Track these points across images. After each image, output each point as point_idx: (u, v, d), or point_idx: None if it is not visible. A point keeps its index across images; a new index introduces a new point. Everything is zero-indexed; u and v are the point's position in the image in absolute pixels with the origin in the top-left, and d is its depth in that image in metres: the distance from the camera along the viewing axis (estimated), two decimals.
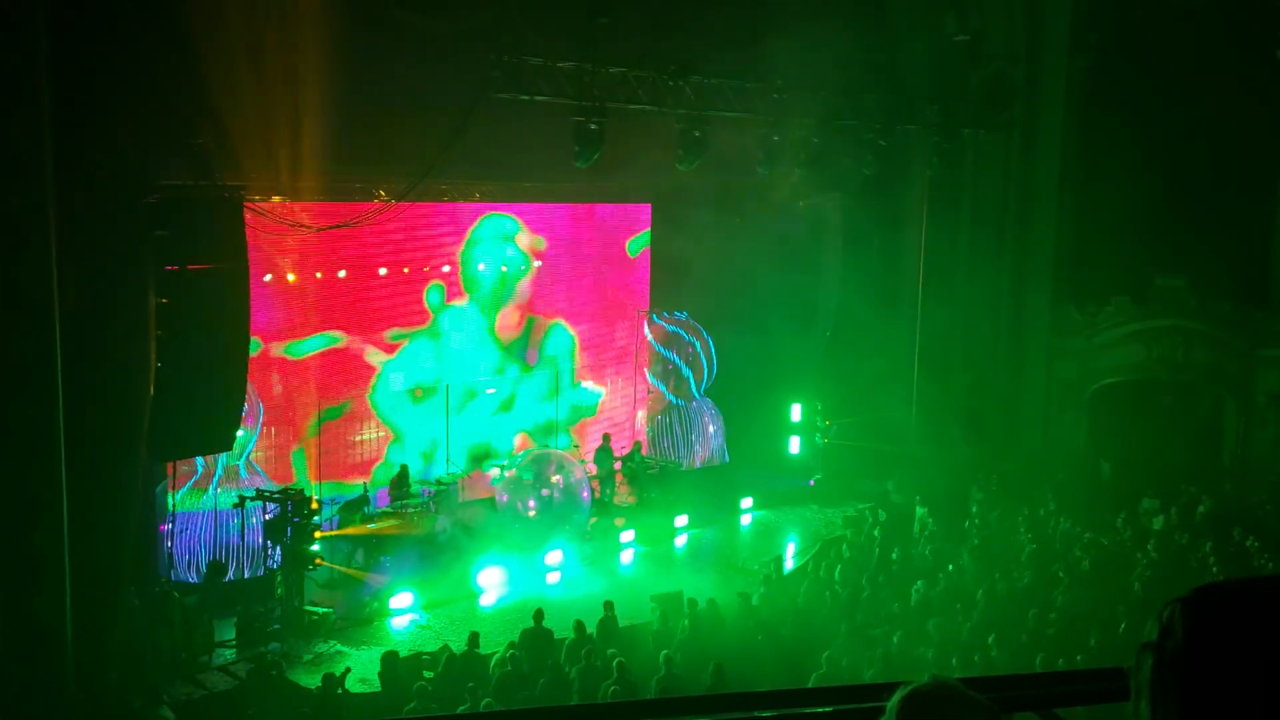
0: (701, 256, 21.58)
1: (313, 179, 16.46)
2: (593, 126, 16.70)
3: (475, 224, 20.87)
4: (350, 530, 18.12)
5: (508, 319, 21.55)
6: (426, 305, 20.42)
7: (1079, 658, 12.89)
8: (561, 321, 22.48)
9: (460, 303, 20.87)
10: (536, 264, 21.77)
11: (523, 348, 21.96)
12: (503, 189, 20.39)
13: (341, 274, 19.09)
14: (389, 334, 19.98)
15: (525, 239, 21.60)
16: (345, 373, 19.44)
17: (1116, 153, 22.22)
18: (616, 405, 23.81)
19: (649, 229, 23.56)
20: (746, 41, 18.30)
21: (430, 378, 20.58)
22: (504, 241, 21.32)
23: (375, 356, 19.80)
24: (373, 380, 19.83)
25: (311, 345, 18.88)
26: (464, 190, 19.50)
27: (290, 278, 18.40)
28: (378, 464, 19.87)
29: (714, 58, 18.00)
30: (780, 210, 22.50)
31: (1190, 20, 21.74)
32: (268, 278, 17.88)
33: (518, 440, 21.94)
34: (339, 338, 19.21)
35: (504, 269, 21.31)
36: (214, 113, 13.79)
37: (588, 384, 23.17)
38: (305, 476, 18.70)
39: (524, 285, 21.75)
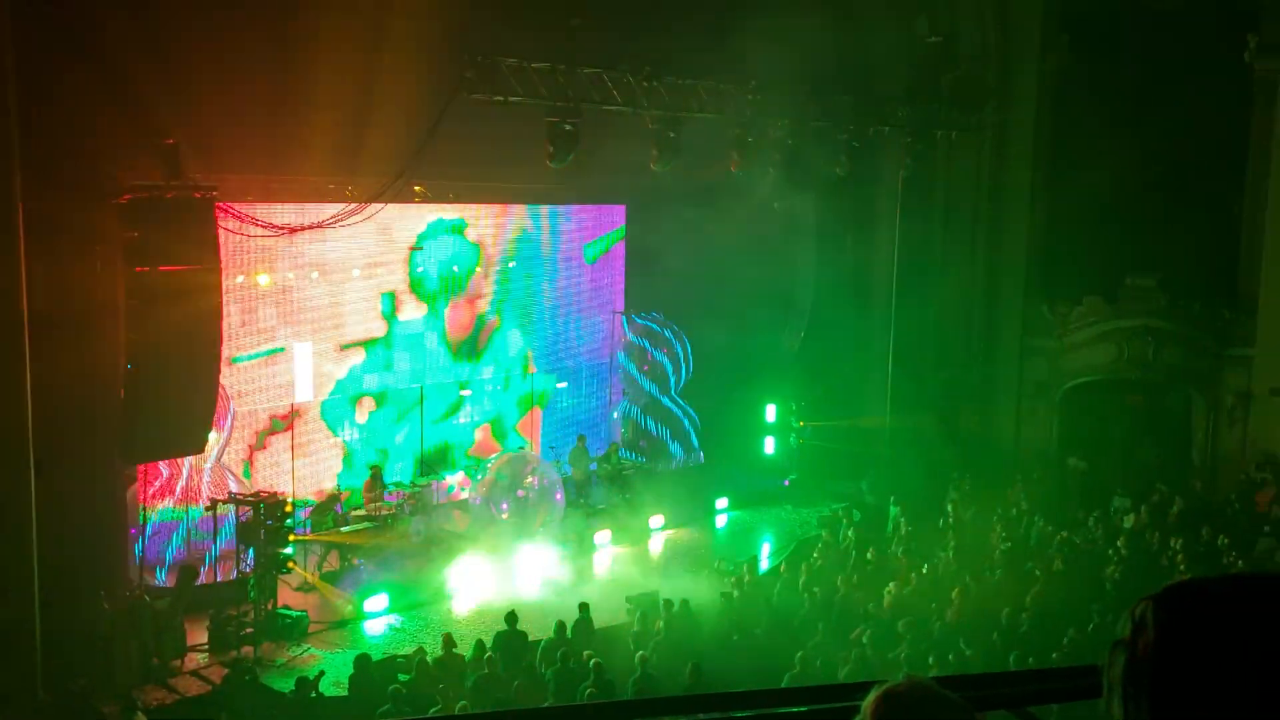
0: (676, 257, 21.59)
1: (285, 180, 16.38)
2: (567, 127, 16.69)
3: (425, 225, 20.36)
4: (325, 536, 18.00)
5: (459, 319, 21.12)
6: (379, 310, 19.96)
7: (1053, 655, 12.98)
8: (517, 320, 22.24)
9: (412, 305, 20.42)
10: (485, 262, 21.43)
11: (473, 347, 21.53)
12: (476, 189, 20.29)
13: (290, 275, 18.53)
14: (340, 339, 19.45)
15: (475, 236, 21.17)
16: (292, 379, 18.87)
17: (1087, 153, 22.39)
18: (592, 406, 23.78)
19: (607, 233, 23.33)
20: (720, 42, 18.34)
21: (381, 383, 20.12)
22: (453, 241, 20.84)
23: (325, 362, 19.29)
24: (321, 387, 19.31)
25: (258, 354, 18.37)
26: (439, 191, 19.41)
27: (264, 281, 18.16)
28: (338, 471, 19.51)
29: (688, 58, 18.05)
30: (755, 210, 22.53)
31: (1160, 21, 21.96)
32: (239, 279, 17.71)
33: (479, 435, 21.71)
34: (285, 345, 18.67)
35: (455, 269, 20.84)
36: (185, 113, 13.68)
37: (560, 386, 23.09)
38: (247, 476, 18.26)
39: (479, 285, 21.33)
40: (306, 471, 19.09)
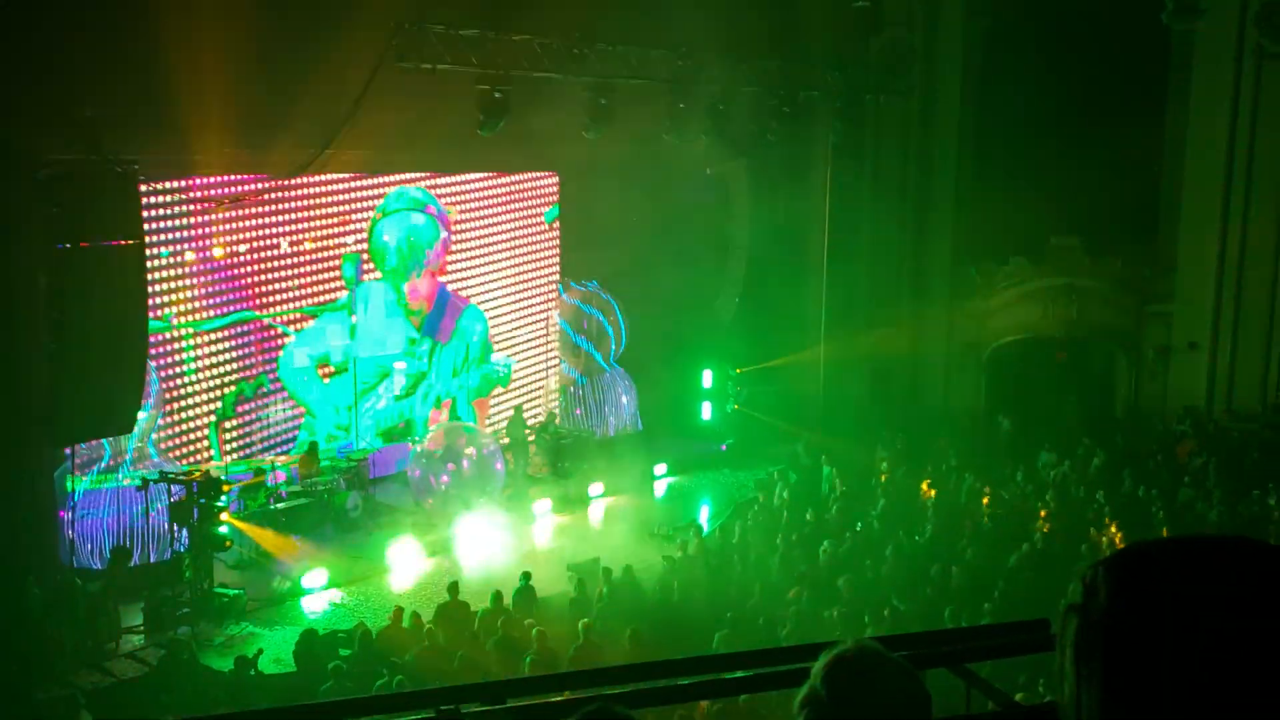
0: (610, 225, 21.56)
1: (209, 153, 16.03)
2: (497, 95, 16.54)
3: (383, 196, 20.40)
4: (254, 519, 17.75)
5: (417, 292, 21.21)
6: (342, 280, 19.90)
7: (984, 607, 13.33)
8: (474, 295, 22.16)
9: (371, 277, 20.44)
10: (445, 235, 21.41)
11: (435, 322, 21.63)
12: (408, 159, 20.04)
13: (243, 249, 18.50)
14: (298, 310, 19.42)
15: (434, 210, 21.22)
16: (256, 351, 18.87)
17: (1012, 115, 22.77)
18: (529, 375, 23.74)
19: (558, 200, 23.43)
20: (650, 8, 18.25)
21: (341, 354, 20.14)
22: (412, 213, 20.91)
23: (286, 334, 19.25)
24: (281, 357, 19.31)
25: (220, 322, 18.30)
26: (368, 162, 19.14)
27: (218, 253, 17.91)
28: (293, 444, 19.46)
29: (618, 25, 17.93)
30: (687, 177, 22.57)
31: None
32: (189, 255, 17.45)
33: (432, 414, 21.73)
34: (249, 315, 18.66)
35: (412, 239, 20.94)
36: (104, 85, 13.31)
37: (498, 357, 23.00)
38: (218, 455, 18.21)
39: (435, 257, 21.38)
40: (271, 437, 19.14)
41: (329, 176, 19.00)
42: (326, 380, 19.99)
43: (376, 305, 20.58)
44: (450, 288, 21.77)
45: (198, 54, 13.77)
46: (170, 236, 17.12)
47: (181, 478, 15.78)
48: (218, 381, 18.39)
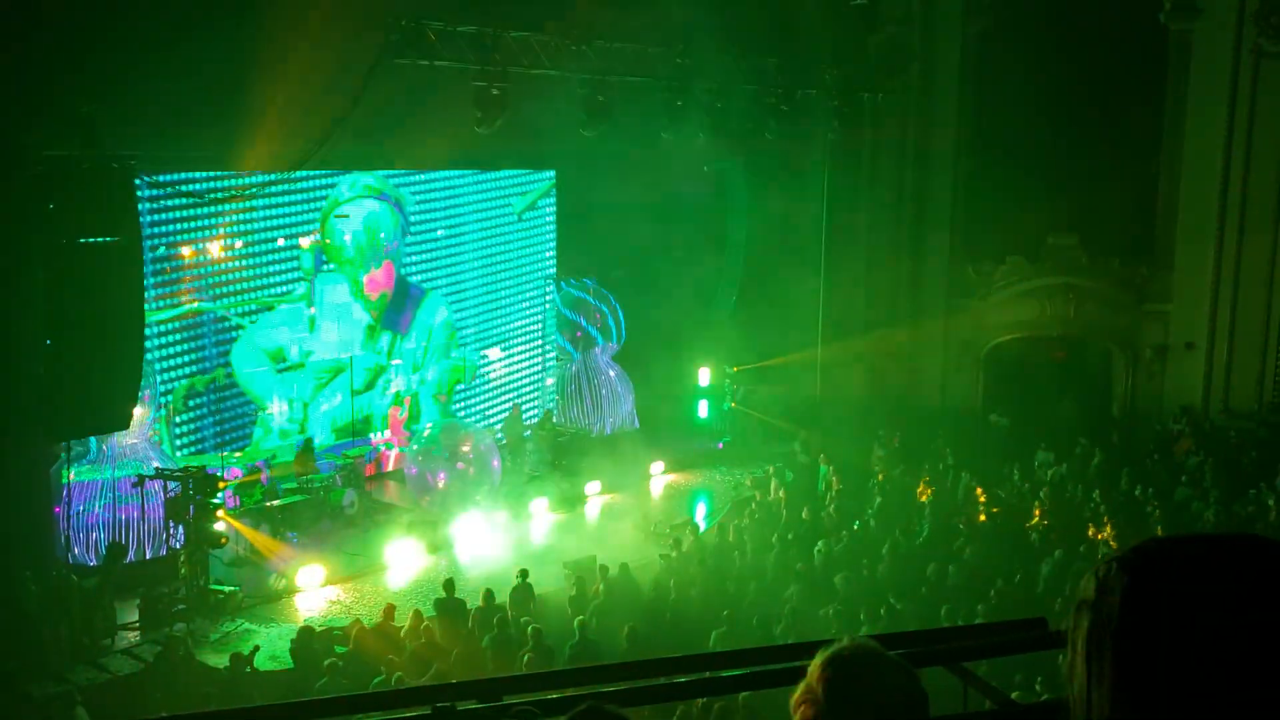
0: (607, 222, 21.54)
1: (205, 148, 16.01)
2: (494, 92, 16.52)
3: (342, 188, 19.86)
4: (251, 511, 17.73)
5: (376, 283, 20.55)
6: (300, 272, 19.40)
7: (980, 607, 13.33)
8: (439, 288, 22.03)
9: (334, 271, 19.92)
10: (403, 220, 20.95)
11: (395, 313, 21.05)
12: (405, 155, 20.00)
13: (212, 242, 18.09)
14: (254, 302, 18.88)
15: (389, 196, 20.59)
16: (210, 345, 18.34)
17: (1010, 114, 22.75)
18: (523, 373, 23.72)
19: (535, 186, 23.04)
20: (648, 6, 18.23)
21: (297, 348, 19.59)
22: (367, 200, 20.20)
23: (240, 326, 18.76)
24: (234, 351, 18.75)
25: (171, 314, 17.74)
26: (365, 158, 19.10)
27: (185, 252, 17.79)
28: (246, 441, 18.99)
29: (616, 22, 17.91)
30: (685, 174, 22.55)
31: None
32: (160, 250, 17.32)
33: (392, 410, 21.26)
34: (203, 306, 18.11)
35: (369, 228, 20.30)
36: (101, 81, 13.28)
37: (490, 353, 22.94)
38: (169, 449, 17.64)
39: (393, 246, 20.76)
40: (228, 436, 18.73)
41: (324, 172, 18.93)
42: (287, 377, 19.39)
43: (334, 297, 20.04)
44: (418, 281, 21.31)
45: (195, 50, 13.75)
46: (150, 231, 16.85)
47: (178, 474, 15.75)
48: (169, 375, 17.80)
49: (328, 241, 19.91)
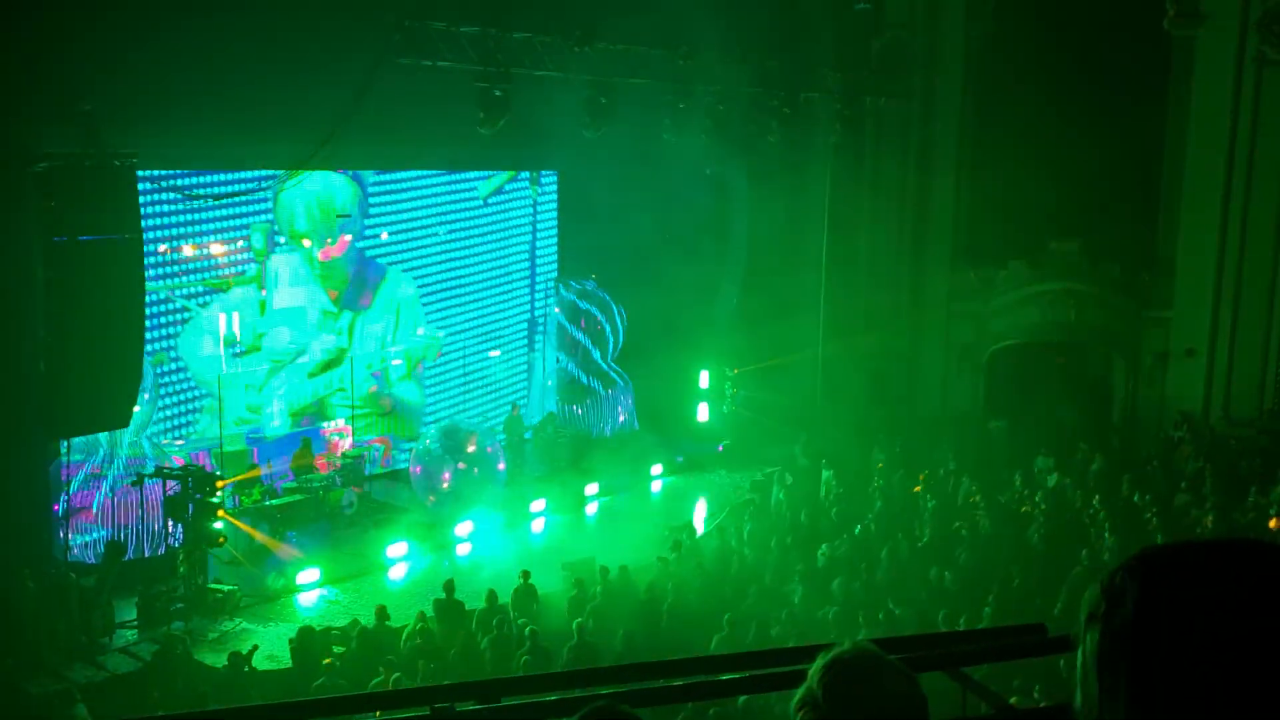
0: (609, 224, 21.55)
1: (206, 147, 16.02)
2: (497, 93, 16.52)
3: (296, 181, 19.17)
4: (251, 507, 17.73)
5: (333, 260, 19.79)
6: (252, 253, 18.67)
7: (986, 611, 13.31)
8: (466, 293, 22.01)
9: (284, 244, 19.10)
10: (362, 196, 20.41)
11: (354, 292, 20.23)
12: (408, 156, 20.00)
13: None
14: (203, 284, 18.24)
15: (347, 171, 19.77)
16: (159, 328, 17.50)
17: (1012, 119, 22.76)
18: (519, 375, 23.72)
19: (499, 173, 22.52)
20: (652, 7, 18.24)
21: (249, 331, 18.86)
22: (320, 172, 19.19)
23: (187, 309, 18.08)
24: (182, 336, 18.08)
25: None
26: (367, 158, 19.09)
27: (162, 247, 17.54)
28: (192, 428, 18.24)
29: (619, 23, 17.92)
30: (687, 177, 22.56)
31: None
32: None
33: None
34: (152, 287, 17.05)
35: (322, 199, 19.37)
36: (103, 79, 13.28)
37: (493, 355, 22.94)
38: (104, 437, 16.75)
39: (351, 221, 19.95)
40: (174, 423, 18.11)
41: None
42: (239, 363, 18.61)
43: (289, 277, 19.14)
44: (369, 253, 20.54)
45: (197, 48, 13.76)
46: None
47: (177, 472, 15.75)
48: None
49: (278, 214, 18.89)
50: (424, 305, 21.62)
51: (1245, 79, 22.26)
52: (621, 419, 23.43)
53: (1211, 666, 1.14)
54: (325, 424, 20.11)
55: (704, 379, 24.28)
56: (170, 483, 15.69)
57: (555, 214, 23.55)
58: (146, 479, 15.93)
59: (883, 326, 24.47)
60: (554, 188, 23.59)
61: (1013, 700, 9.12)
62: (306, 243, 19.54)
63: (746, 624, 13.21)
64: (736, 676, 3.09)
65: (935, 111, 24.30)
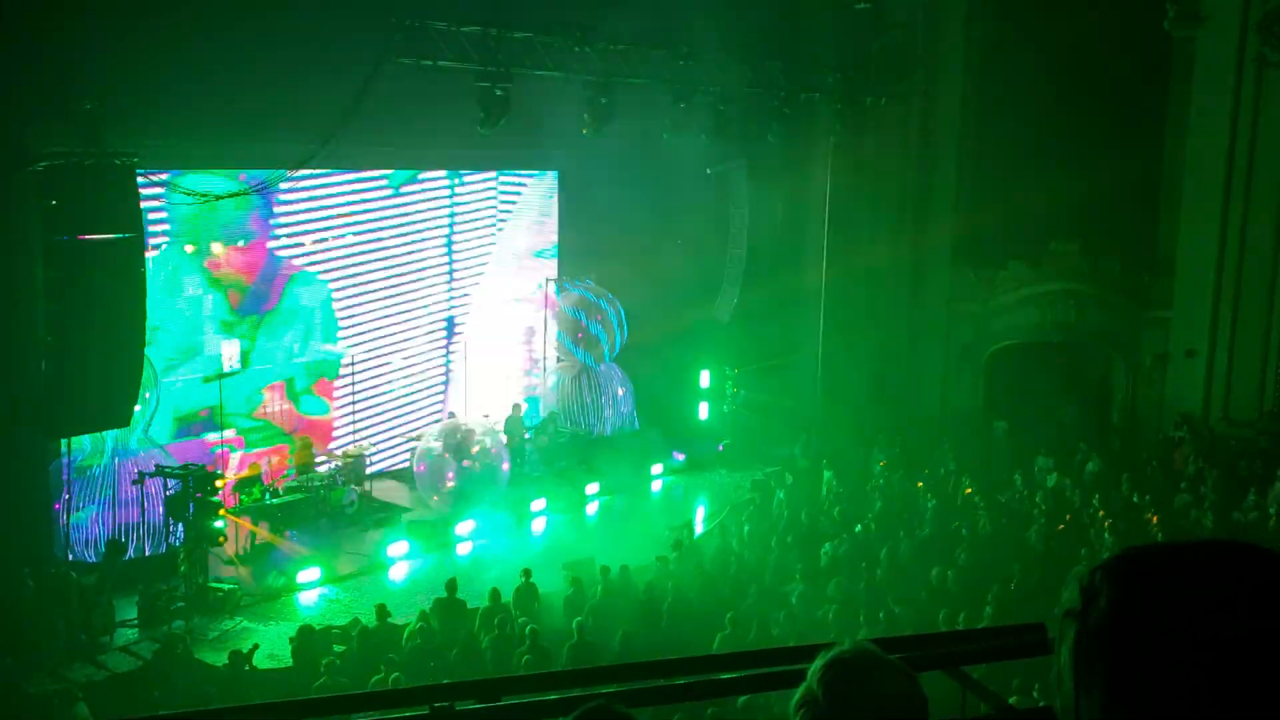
0: (609, 224, 21.55)
1: (206, 147, 16.02)
2: (498, 92, 16.53)
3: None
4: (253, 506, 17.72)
5: (231, 262, 18.48)
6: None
7: (986, 611, 13.32)
8: (465, 291, 21.92)
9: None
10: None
11: (258, 296, 18.96)
12: (408, 156, 20.00)
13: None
14: None
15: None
16: None
17: (1012, 120, 22.76)
18: (518, 374, 23.71)
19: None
20: (652, 7, 18.25)
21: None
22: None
23: None
24: None
25: None
26: (368, 158, 19.09)
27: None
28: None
29: (620, 23, 17.94)
30: (687, 177, 22.57)
31: None
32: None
33: (267, 394, 19.22)
34: None
35: (205, 196, 17.01)
36: (104, 78, 13.29)
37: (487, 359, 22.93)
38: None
39: (252, 221, 18.66)
40: None
41: (326, 172, 18.87)
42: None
43: (177, 279, 17.70)
44: (283, 255, 19.19)
45: (197, 48, 13.77)
46: None
47: (178, 471, 15.75)
48: None
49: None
50: (335, 308, 20.12)
51: (1245, 80, 22.26)
52: (622, 418, 23.43)
53: (1188, 666, 1.14)
54: (218, 434, 18.13)
55: (704, 378, 24.28)
56: (171, 481, 15.71)
57: (556, 214, 23.53)
58: (147, 477, 15.93)
59: (883, 326, 24.47)
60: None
61: (1013, 700, 9.14)
62: (216, 247, 18.33)
63: (749, 623, 13.23)
64: (736, 676, 3.10)
65: (935, 112, 24.31)
